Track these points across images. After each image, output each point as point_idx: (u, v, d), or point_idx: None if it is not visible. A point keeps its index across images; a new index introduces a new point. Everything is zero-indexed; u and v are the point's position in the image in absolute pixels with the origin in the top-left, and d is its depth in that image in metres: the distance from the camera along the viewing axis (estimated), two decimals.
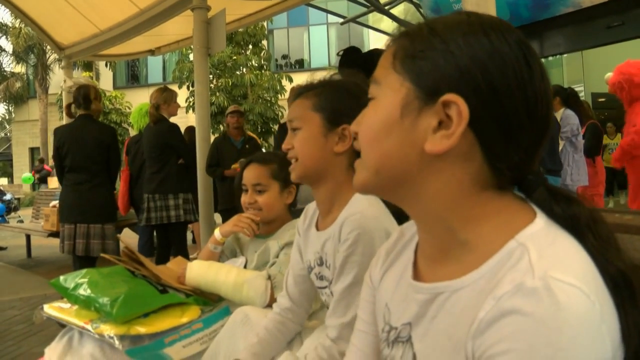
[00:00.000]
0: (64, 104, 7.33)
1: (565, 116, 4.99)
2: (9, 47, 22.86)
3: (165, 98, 4.21)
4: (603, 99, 11.11)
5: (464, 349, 0.59)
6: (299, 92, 1.28)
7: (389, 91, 0.68)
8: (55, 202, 6.06)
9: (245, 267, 1.82)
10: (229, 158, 4.66)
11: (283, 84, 16.38)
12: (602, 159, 5.98)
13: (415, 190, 0.68)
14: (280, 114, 16.27)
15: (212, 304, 1.69)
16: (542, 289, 0.54)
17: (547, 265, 0.56)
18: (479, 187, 0.65)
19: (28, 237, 7.01)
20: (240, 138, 4.94)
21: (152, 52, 7.45)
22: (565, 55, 10.10)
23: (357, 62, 3.66)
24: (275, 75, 16.65)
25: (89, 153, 3.67)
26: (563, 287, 0.54)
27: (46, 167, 13.91)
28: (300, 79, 5.04)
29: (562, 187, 0.69)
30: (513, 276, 0.57)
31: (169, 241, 4.21)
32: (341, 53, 3.87)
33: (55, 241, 6.73)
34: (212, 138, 5.58)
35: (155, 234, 4.56)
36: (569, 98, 5.26)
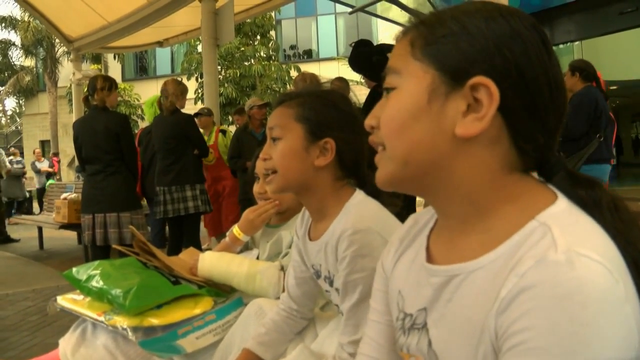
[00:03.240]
0: (74, 97, 7.37)
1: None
2: (18, 40, 22.96)
3: (181, 90, 4.22)
4: (615, 87, 10.97)
5: (487, 330, 0.59)
6: (281, 100, 1.22)
7: (412, 79, 0.66)
8: (67, 195, 6.11)
9: (257, 258, 1.82)
10: (249, 149, 4.71)
11: (291, 74, 16.32)
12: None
13: (443, 177, 0.66)
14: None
15: (225, 295, 1.68)
16: (564, 262, 0.53)
17: (571, 241, 0.55)
18: (506, 170, 0.65)
19: (40, 229, 7.07)
20: (261, 130, 4.95)
21: (160, 43, 7.48)
22: (576, 43, 9.99)
23: (368, 60, 3.65)
24: (284, 66, 16.61)
25: (98, 143, 3.69)
26: (586, 262, 0.53)
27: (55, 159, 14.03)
28: (309, 69, 5.06)
29: (582, 173, 0.68)
30: (535, 252, 0.56)
31: (182, 232, 4.21)
32: (353, 45, 3.86)
33: (67, 233, 6.81)
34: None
35: (167, 225, 4.57)
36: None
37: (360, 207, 1.14)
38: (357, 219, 1.10)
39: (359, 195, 1.17)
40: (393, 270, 0.81)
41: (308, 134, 1.15)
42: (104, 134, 3.68)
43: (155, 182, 4.17)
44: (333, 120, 1.15)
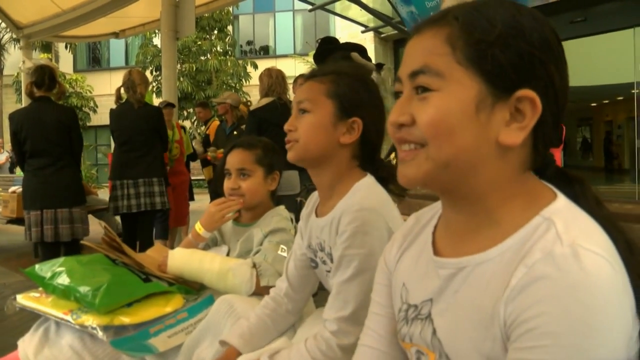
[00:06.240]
0: (24, 86, 7.07)
1: None
2: None
3: (145, 80, 4.12)
4: None
5: (496, 318, 0.62)
6: (313, 74, 1.25)
7: (458, 87, 0.67)
8: (15, 188, 5.86)
9: (227, 254, 1.79)
10: (220, 143, 4.75)
11: (248, 70, 16.23)
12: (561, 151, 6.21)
13: (470, 178, 0.69)
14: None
15: (195, 292, 1.65)
16: (570, 256, 0.58)
17: (574, 235, 0.60)
18: (522, 169, 0.70)
19: None
20: (230, 124, 4.93)
21: (116, 34, 7.26)
22: None
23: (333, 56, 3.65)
24: (240, 62, 16.48)
25: (49, 136, 3.53)
26: (590, 255, 0.57)
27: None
28: (265, 65, 5.01)
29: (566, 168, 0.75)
30: (542, 245, 0.61)
31: (136, 229, 4.06)
32: (319, 41, 3.86)
33: (14, 228, 6.51)
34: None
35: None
36: None
37: (369, 188, 1.17)
38: (365, 198, 1.13)
39: (370, 179, 1.20)
40: (397, 265, 0.85)
41: (338, 111, 1.18)
42: (55, 127, 3.54)
43: (115, 175, 3.99)
44: (364, 100, 1.19)
